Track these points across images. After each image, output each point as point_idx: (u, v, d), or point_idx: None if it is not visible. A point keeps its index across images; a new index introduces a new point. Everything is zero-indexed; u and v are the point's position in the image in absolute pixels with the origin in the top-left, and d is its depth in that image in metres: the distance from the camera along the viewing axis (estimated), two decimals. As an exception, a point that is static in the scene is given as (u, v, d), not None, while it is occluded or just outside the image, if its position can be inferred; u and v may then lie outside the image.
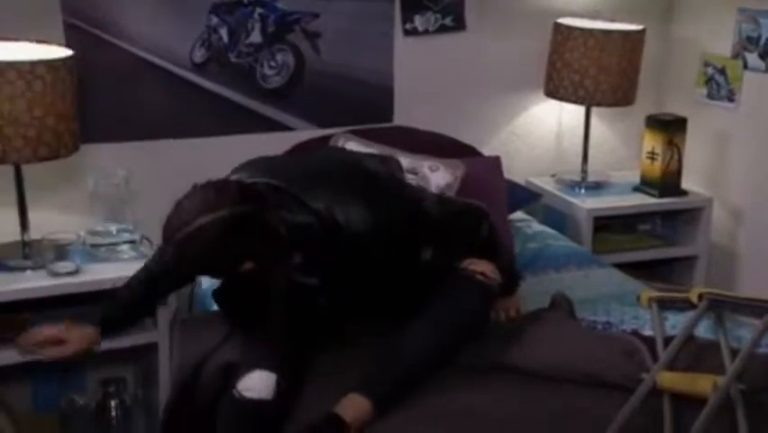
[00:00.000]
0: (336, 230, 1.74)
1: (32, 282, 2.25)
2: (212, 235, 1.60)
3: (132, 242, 2.42)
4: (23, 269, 2.29)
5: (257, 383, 1.73)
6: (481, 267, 1.92)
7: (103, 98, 2.55)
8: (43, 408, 2.59)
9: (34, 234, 2.35)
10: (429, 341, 1.79)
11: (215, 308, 2.27)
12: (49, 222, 2.43)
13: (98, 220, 2.43)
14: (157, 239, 2.51)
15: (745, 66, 2.88)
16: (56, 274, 2.27)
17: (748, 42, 2.86)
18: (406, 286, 1.88)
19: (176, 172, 2.65)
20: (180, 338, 2.07)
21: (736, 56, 2.91)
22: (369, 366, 1.77)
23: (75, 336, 1.93)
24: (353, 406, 1.66)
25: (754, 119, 2.89)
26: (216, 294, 2.05)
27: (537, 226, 2.85)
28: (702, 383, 1.71)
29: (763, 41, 2.81)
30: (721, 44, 2.95)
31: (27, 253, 2.32)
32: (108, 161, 2.50)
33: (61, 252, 2.29)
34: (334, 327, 1.98)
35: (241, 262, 1.67)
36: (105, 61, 2.54)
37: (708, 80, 3.02)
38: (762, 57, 2.82)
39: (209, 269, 1.77)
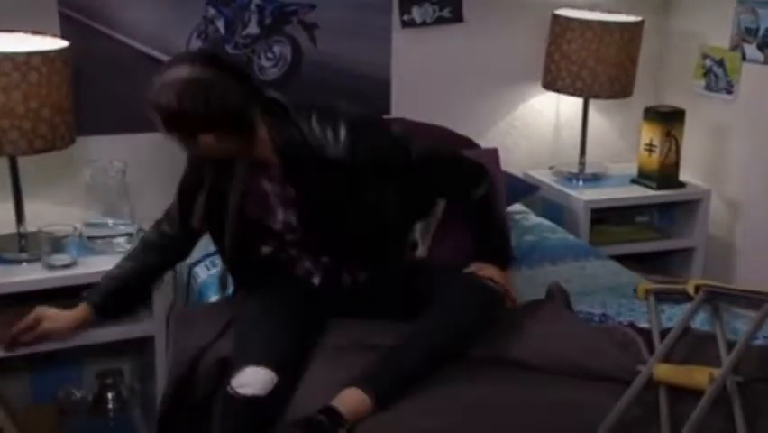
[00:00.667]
0: (319, 148, 1.81)
1: (27, 275, 2.24)
2: (187, 83, 1.70)
3: (128, 234, 2.42)
4: (19, 261, 2.29)
5: (251, 379, 1.73)
6: (489, 272, 1.92)
7: (99, 90, 2.54)
8: (40, 400, 2.59)
9: (30, 226, 2.35)
10: (431, 340, 1.78)
11: (212, 299, 2.27)
12: (45, 214, 2.43)
13: (95, 213, 2.42)
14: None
15: (744, 57, 2.87)
16: (52, 267, 2.26)
17: (747, 34, 2.85)
18: (376, 231, 1.92)
19: (172, 165, 2.65)
20: (177, 331, 2.07)
21: (734, 48, 2.90)
22: (368, 362, 1.77)
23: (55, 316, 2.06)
24: (351, 399, 1.66)
25: (752, 111, 2.89)
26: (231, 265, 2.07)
27: (535, 219, 2.85)
28: (698, 376, 1.71)
29: (761, 32, 2.80)
30: (720, 36, 2.94)
31: (23, 245, 2.32)
32: (105, 153, 2.49)
33: (57, 244, 2.28)
34: (331, 318, 1.99)
35: (209, 127, 1.73)
36: (101, 53, 2.53)
37: (707, 72, 3.01)
38: (760, 48, 2.82)
39: (181, 126, 1.77)
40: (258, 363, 1.75)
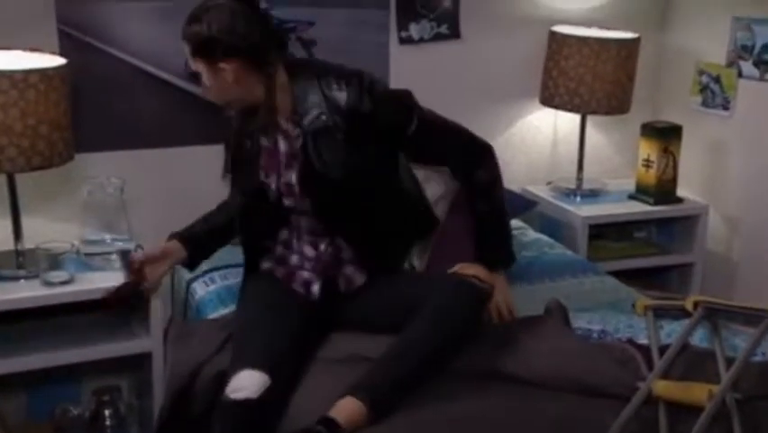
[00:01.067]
0: (333, 99, 1.91)
1: (25, 292, 2.24)
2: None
3: (126, 251, 2.41)
4: (17, 278, 2.28)
5: (244, 382, 1.74)
6: (474, 270, 1.91)
7: (97, 107, 2.55)
8: (38, 418, 2.58)
9: (28, 243, 2.34)
10: (423, 344, 1.78)
11: (211, 316, 2.27)
12: (43, 231, 2.42)
13: (93, 229, 2.42)
14: (151, 247, 2.53)
15: (740, 74, 2.89)
16: (49, 284, 2.26)
17: (743, 51, 2.87)
18: (375, 203, 1.98)
19: (170, 181, 2.67)
20: (175, 346, 2.07)
21: (730, 64, 2.91)
22: (364, 370, 1.77)
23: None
24: (348, 409, 1.66)
25: (748, 127, 2.90)
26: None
27: (533, 234, 2.85)
28: (697, 392, 1.71)
29: (757, 49, 2.82)
30: (716, 52, 2.96)
31: (21, 262, 2.32)
32: (102, 169, 2.49)
33: (55, 261, 2.28)
34: (327, 331, 1.99)
35: (230, 53, 1.83)
36: (99, 70, 2.54)
37: (703, 88, 3.03)
38: (756, 65, 2.83)
39: (205, 52, 1.86)
40: (252, 366, 1.77)
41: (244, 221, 2.08)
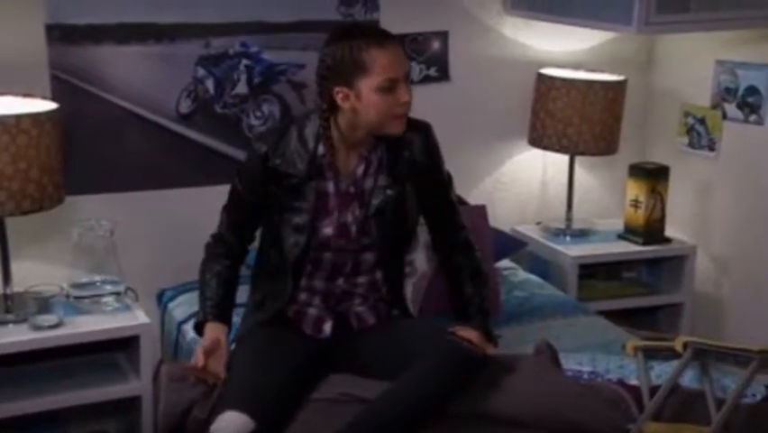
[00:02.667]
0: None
1: (13, 336, 2.23)
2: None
3: (116, 293, 2.41)
4: (5, 323, 2.27)
5: (226, 425, 1.74)
6: (470, 334, 1.92)
7: (88, 150, 2.56)
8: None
9: (17, 286, 2.34)
10: (408, 402, 1.78)
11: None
12: (32, 274, 2.42)
13: (83, 272, 2.41)
14: (142, 290, 2.54)
15: (725, 116, 2.93)
16: (38, 328, 2.25)
17: (727, 93, 2.91)
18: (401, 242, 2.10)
19: (161, 224, 2.68)
20: (168, 387, 2.05)
21: (715, 106, 2.96)
22: (354, 410, 1.78)
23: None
24: None
25: (734, 168, 2.93)
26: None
27: (523, 274, 2.86)
28: (688, 435, 1.71)
29: (741, 92, 2.86)
30: (701, 95, 3.00)
31: (9, 306, 2.30)
32: (93, 212, 2.49)
33: (44, 304, 2.28)
34: (336, 360, 1.99)
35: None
36: (91, 113, 2.56)
37: (689, 130, 3.06)
38: (740, 107, 2.87)
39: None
40: (237, 408, 1.77)
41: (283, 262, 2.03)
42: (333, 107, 1.94)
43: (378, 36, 1.93)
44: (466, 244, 2.14)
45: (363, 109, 1.91)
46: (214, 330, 2.00)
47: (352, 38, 1.90)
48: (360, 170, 2.01)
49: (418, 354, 1.84)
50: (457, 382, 1.83)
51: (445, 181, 2.13)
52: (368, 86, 1.89)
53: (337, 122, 1.96)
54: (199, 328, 2.06)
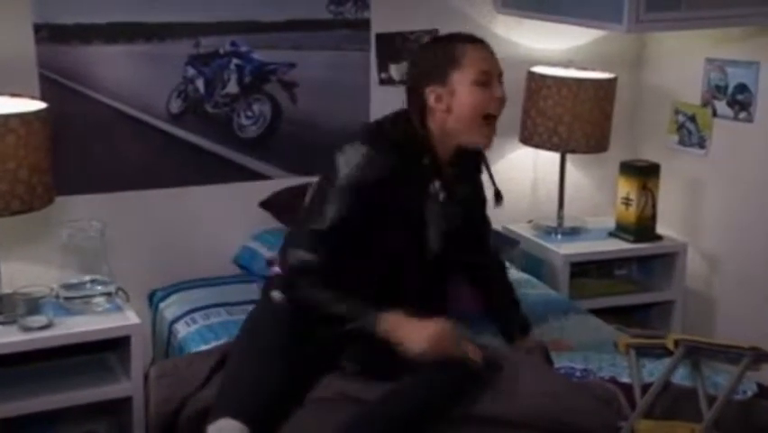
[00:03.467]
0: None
1: (2, 338, 2.21)
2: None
3: (107, 294, 2.40)
4: (-5, 324, 2.26)
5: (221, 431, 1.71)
6: (467, 347, 1.90)
7: (78, 150, 2.55)
8: (15, 465, 2.53)
9: (6, 287, 2.32)
10: (398, 411, 1.77)
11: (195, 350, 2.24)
12: (22, 275, 2.41)
13: (72, 273, 2.40)
14: (133, 290, 2.53)
15: (715, 114, 2.94)
16: (27, 329, 2.23)
17: (717, 91, 2.92)
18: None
19: (152, 224, 2.67)
20: (158, 384, 2.04)
21: (705, 104, 2.97)
22: (350, 410, 1.77)
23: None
24: None
25: (724, 165, 2.94)
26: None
27: (515, 273, 2.85)
28: (679, 432, 1.71)
29: (730, 89, 2.87)
30: (691, 92, 3.01)
31: (-1, 307, 2.29)
32: (83, 212, 2.48)
33: (34, 305, 2.26)
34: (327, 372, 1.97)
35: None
36: (80, 113, 2.55)
37: (680, 127, 3.07)
38: (730, 105, 2.88)
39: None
40: (233, 415, 1.75)
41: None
42: (424, 116, 1.92)
43: (469, 35, 1.96)
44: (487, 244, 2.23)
45: (458, 106, 1.89)
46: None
47: (442, 41, 1.95)
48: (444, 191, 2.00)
49: (417, 364, 1.82)
50: (451, 392, 1.81)
51: (484, 200, 2.19)
52: (462, 80, 1.89)
53: (429, 130, 1.93)
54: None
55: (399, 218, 1.92)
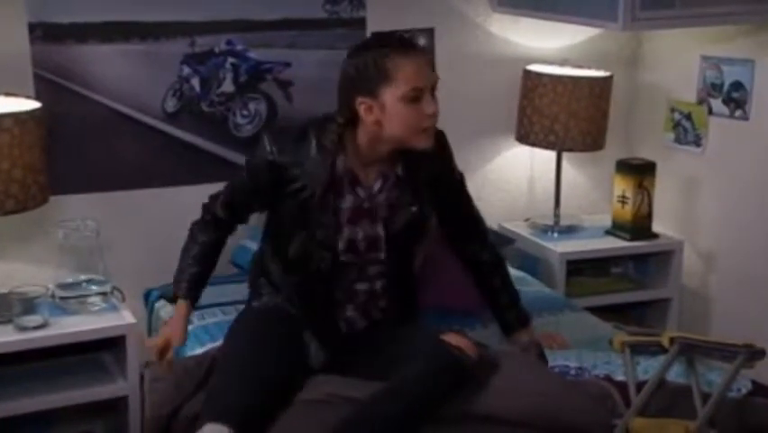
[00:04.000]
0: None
1: (-2, 337, 2.21)
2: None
3: (103, 293, 2.40)
4: (-10, 323, 2.26)
5: None
6: (457, 341, 1.90)
7: (73, 149, 2.55)
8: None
9: (2, 287, 2.33)
10: (393, 410, 1.77)
11: (189, 354, 2.24)
12: (17, 275, 2.41)
13: (68, 272, 2.40)
14: (128, 290, 2.53)
15: (710, 111, 2.94)
16: (23, 328, 2.23)
17: (712, 89, 2.92)
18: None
19: (148, 223, 2.67)
20: (152, 388, 2.04)
21: (700, 102, 2.97)
22: (340, 410, 1.77)
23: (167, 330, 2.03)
24: None
25: (720, 163, 2.94)
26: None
27: (511, 271, 2.84)
28: (674, 429, 1.71)
29: (726, 87, 2.87)
30: (687, 90, 3.01)
31: (-6, 306, 2.29)
32: (78, 212, 2.48)
33: (29, 305, 2.26)
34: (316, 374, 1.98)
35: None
36: (75, 112, 2.54)
37: (676, 125, 3.07)
38: (725, 103, 2.88)
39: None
40: (218, 419, 1.73)
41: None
42: (354, 121, 1.88)
43: (402, 44, 1.86)
44: (498, 261, 2.20)
45: (388, 121, 1.84)
46: (181, 310, 2.05)
47: (375, 47, 1.85)
48: (377, 185, 1.96)
49: (409, 359, 1.83)
50: (446, 387, 1.81)
51: (458, 181, 2.12)
52: (392, 96, 1.82)
53: (357, 136, 1.90)
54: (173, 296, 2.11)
55: (298, 211, 1.94)
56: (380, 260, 1.99)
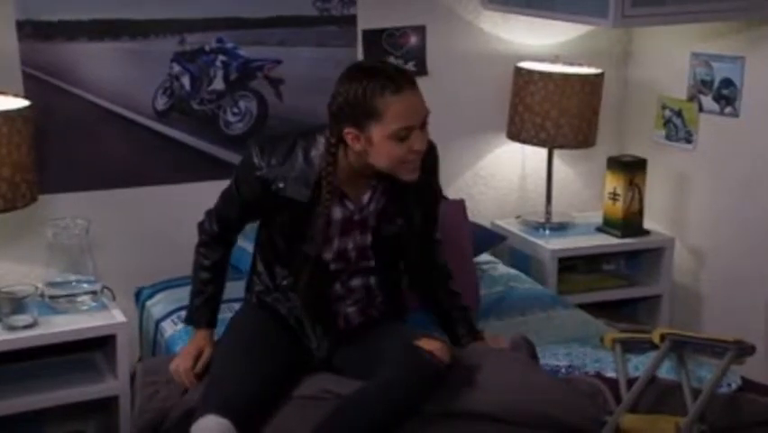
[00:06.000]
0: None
1: (-13, 337, 2.20)
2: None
3: (92, 292, 2.39)
4: (-21, 323, 2.25)
5: (208, 429, 1.71)
6: (429, 345, 1.89)
7: (63, 148, 2.53)
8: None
9: (-9, 286, 2.31)
10: (368, 410, 1.78)
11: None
12: (6, 274, 2.40)
13: (57, 271, 2.39)
14: (118, 289, 2.52)
15: (701, 108, 2.94)
16: (12, 328, 2.22)
17: (702, 86, 2.93)
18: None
19: (138, 221, 2.66)
20: (143, 385, 2.04)
21: (691, 99, 2.97)
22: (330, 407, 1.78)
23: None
24: None
25: (711, 160, 2.95)
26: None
27: (503, 269, 2.86)
28: (664, 425, 1.72)
29: (716, 84, 2.88)
30: (677, 87, 3.01)
31: (-17, 306, 2.28)
32: (68, 211, 2.47)
33: (18, 304, 2.25)
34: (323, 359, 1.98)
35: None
36: (65, 111, 2.53)
37: (667, 122, 3.08)
38: (716, 100, 2.89)
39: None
40: (217, 411, 1.75)
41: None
42: (344, 141, 1.85)
43: (395, 80, 1.78)
44: (450, 275, 2.15)
45: (374, 154, 1.81)
46: (201, 336, 2.03)
47: (367, 79, 1.78)
48: (366, 197, 1.95)
49: (385, 362, 1.84)
50: (417, 391, 1.81)
51: (436, 198, 2.09)
52: (380, 133, 1.78)
53: (347, 153, 1.87)
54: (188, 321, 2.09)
55: (287, 222, 1.93)
56: (372, 268, 2.00)
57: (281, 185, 1.88)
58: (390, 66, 1.94)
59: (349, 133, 1.81)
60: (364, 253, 1.97)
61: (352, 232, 1.95)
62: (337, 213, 1.92)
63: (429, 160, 1.96)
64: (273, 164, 1.89)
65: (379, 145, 1.80)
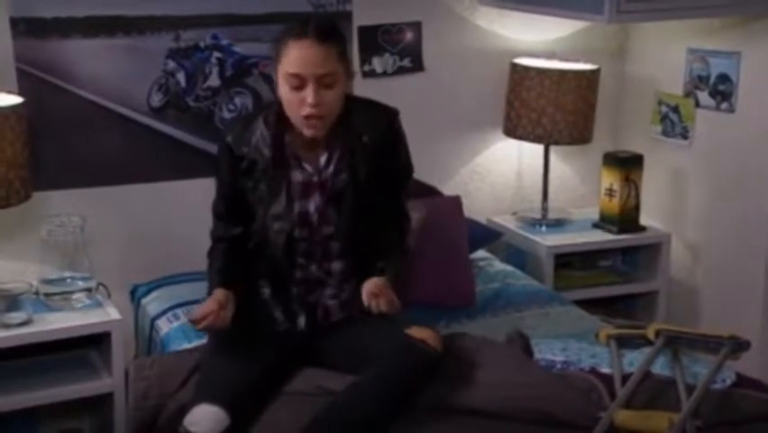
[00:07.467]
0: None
1: (-19, 334, 2.20)
2: None
3: (87, 289, 2.39)
4: (-27, 320, 2.24)
5: (202, 418, 1.74)
6: (424, 334, 1.89)
7: (57, 145, 2.53)
8: (-3, 462, 2.52)
9: (-15, 284, 2.31)
10: (366, 401, 1.78)
11: (176, 349, 2.24)
12: (1, 271, 2.40)
13: (53, 268, 2.39)
14: (114, 286, 2.52)
15: (697, 104, 2.94)
16: (7, 325, 2.22)
17: (699, 81, 2.92)
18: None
19: (133, 218, 2.65)
20: (137, 382, 2.04)
21: (687, 94, 2.97)
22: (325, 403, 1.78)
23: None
24: None
25: (707, 156, 2.95)
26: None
27: (499, 265, 2.86)
28: (658, 421, 1.72)
29: (712, 80, 2.88)
30: (673, 83, 3.01)
31: (-23, 303, 2.28)
32: (62, 207, 2.47)
33: (13, 302, 2.25)
34: (306, 352, 1.98)
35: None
36: (59, 107, 2.53)
37: (663, 118, 3.07)
38: (712, 95, 2.89)
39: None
40: (212, 401, 1.76)
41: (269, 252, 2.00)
42: None
43: (303, 28, 1.88)
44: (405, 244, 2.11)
45: (282, 100, 1.93)
46: (218, 292, 1.94)
47: (289, 27, 1.93)
48: (323, 159, 1.99)
49: (377, 354, 1.84)
50: (413, 380, 1.82)
51: (400, 170, 2.07)
52: (279, 74, 1.91)
53: None
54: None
55: (254, 187, 1.98)
56: (335, 235, 1.98)
57: (245, 150, 1.97)
58: (316, 17, 2.05)
59: (274, 78, 1.93)
60: (325, 217, 1.98)
61: (312, 195, 1.98)
62: (297, 175, 1.98)
63: (386, 124, 2.01)
64: (237, 131, 2.00)
65: (280, 88, 1.91)
